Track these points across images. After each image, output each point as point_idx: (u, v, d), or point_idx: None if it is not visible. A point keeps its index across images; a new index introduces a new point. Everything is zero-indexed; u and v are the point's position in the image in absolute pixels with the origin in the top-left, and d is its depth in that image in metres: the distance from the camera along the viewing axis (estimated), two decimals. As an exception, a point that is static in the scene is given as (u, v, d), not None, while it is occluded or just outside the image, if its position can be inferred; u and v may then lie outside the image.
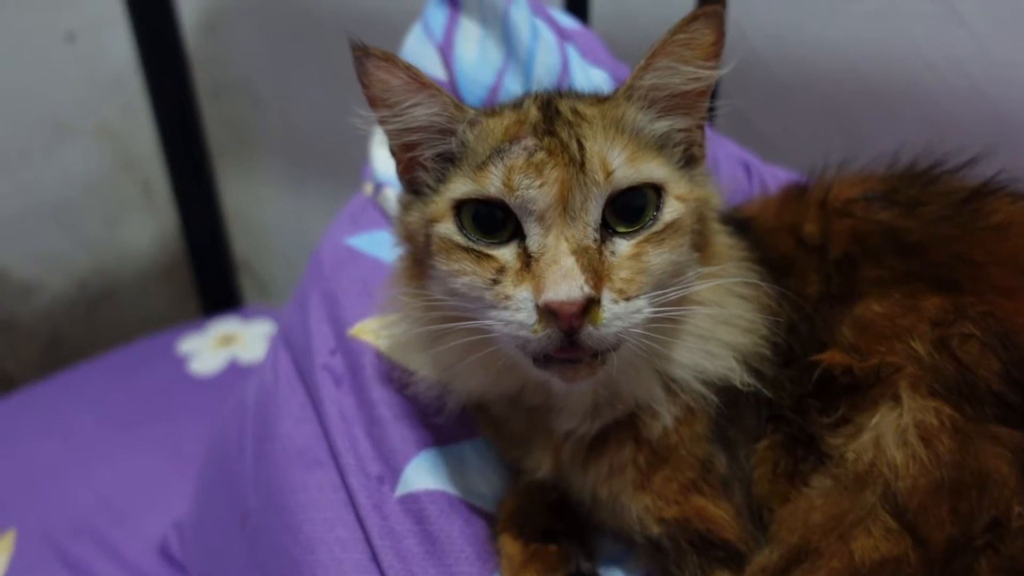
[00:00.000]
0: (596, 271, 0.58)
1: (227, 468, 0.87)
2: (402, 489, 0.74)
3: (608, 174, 0.60)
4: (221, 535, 0.85)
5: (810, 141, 1.32)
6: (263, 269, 2.10)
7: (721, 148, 0.99)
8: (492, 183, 0.61)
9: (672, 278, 0.63)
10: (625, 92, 0.65)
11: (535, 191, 0.59)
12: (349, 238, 0.92)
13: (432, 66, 0.95)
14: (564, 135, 0.61)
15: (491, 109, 0.69)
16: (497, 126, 0.65)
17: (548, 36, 0.91)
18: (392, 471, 0.75)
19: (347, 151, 1.48)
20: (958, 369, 0.62)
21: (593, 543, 0.77)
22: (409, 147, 0.69)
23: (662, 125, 0.66)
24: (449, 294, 0.64)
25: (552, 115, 0.64)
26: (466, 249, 0.62)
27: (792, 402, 0.68)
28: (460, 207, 0.63)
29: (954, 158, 0.80)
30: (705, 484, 0.69)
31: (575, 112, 0.64)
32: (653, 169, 0.63)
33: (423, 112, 0.66)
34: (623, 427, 0.70)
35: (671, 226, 0.62)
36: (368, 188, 0.99)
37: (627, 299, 0.59)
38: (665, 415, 0.68)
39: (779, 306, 0.70)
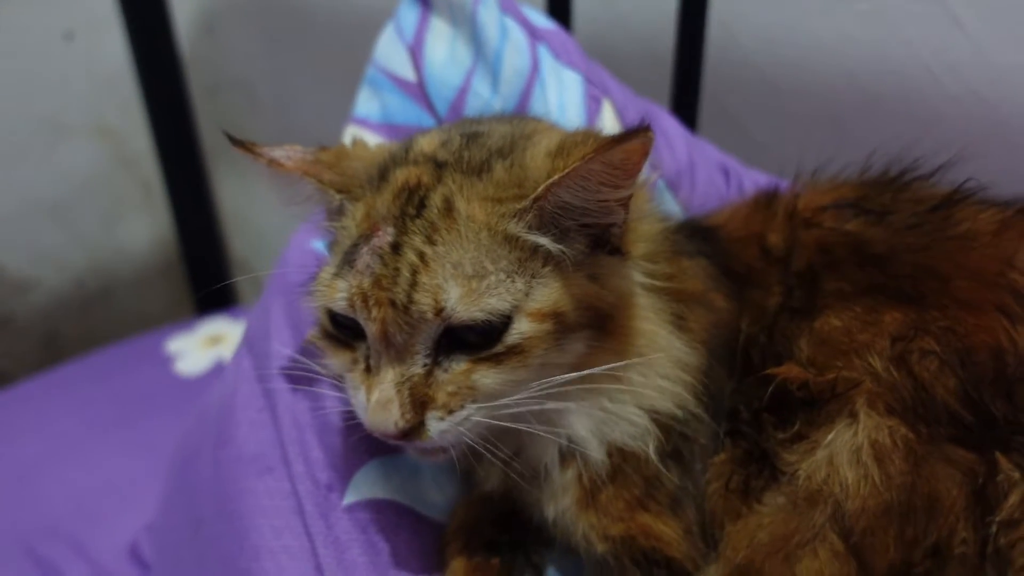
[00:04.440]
0: (419, 400, 0.58)
1: (186, 473, 0.86)
2: (350, 497, 0.72)
3: (439, 311, 0.57)
4: (177, 542, 0.84)
5: (803, 145, 1.28)
6: (261, 269, 2.10)
7: (699, 152, 0.96)
8: (340, 298, 0.61)
9: (514, 389, 0.60)
10: (528, 204, 0.58)
11: (367, 322, 0.59)
12: (317, 241, 0.91)
13: (402, 67, 0.93)
14: (408, 256, 0.58)
15: (378, 171, 0.66)
16: (358, 215, 0.64)
17: (518, 36, 0.89)
18: (342, 479, 0.73)
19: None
20: (915, 387, 0.59)
21: (541, 556, 0.75)
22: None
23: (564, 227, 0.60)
24: None
25: (418, 206, 0.60)
26: (333, 337, 0.65)
27: (749, 415, 0.66)
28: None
29: (931, 161, 0.77)
30: (652, 501, 0.67)
31: (447, 211, 0.59)
32: (499, 302, 0.57)
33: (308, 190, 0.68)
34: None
35: (514, 348, 0.59)
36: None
37: (451, 412, 0.59)
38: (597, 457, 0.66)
39: (740, 318, 0.68)
